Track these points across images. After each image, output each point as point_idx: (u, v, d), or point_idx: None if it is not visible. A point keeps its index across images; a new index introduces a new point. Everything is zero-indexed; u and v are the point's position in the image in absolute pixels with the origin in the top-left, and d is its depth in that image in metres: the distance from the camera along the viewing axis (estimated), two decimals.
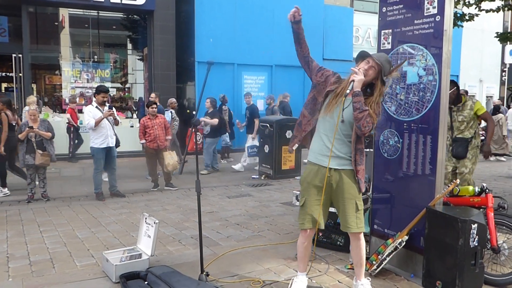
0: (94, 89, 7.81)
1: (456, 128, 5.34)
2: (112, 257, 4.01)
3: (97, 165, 7.21)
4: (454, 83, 5.25)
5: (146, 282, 3.72)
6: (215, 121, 9.63)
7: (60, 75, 12.72)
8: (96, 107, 7.11)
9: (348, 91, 3.13)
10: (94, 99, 7.35)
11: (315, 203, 3.34)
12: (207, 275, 3.74)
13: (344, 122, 3.20)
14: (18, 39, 11.26)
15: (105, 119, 7.03)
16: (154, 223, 4.11)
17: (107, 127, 7.12)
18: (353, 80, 3.13)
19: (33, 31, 12.05)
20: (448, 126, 5.30)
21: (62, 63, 12.66)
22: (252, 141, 10.22)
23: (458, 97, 5.32)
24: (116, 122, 7.36)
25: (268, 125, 9.34)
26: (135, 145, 11.48)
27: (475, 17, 7.67)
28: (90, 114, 7.01)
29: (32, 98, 9.52)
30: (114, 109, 7.50)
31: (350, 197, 3.31)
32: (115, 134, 7.37)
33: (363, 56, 3.33)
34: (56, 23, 12.80)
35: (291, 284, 3.57)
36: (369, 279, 3.54)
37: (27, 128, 6.93)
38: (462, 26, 8.04)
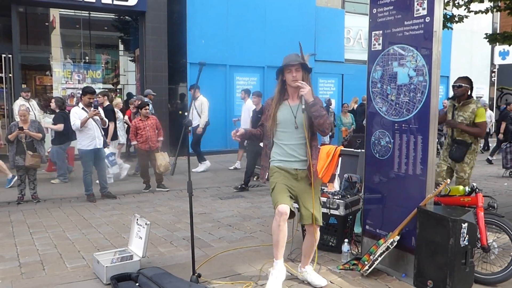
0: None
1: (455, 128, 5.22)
2: (103, 258, 3.99)
3: (86, 167, 7.15)
4: (468, 81, 5.18)
5: (137, 284, 3.71)
6: (60, 126, 8.44)
7: (51, 76, 12.60)
8: (82, 108, 7.05)
9: (303, 107, 3.41)
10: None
11: (284, 186, 3.52)
12: (199, 276, 3.73)
13: (298, 128, 3.49)
14: (8, 39, 11.15)
15: (91, 120, 6.98)
16: (146, 224, 4.10)
17: (94, 128, 7.06)
18: (302, 95, 3.40)
19: (23, 31, 11.93)
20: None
21: (53, 64, 12.55)
22: (108, 148, 8.46)
23: (467, 96, 5.17)
24: (103, 123, 7.29)
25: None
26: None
27: (464, 18, 7.72)
28: (76, 115, 6.94)
29: (117, 100, 10.51)
30: (100, 108, 7.44)
31: (316, 193, 3.60)
32: (103, 136, 7.33)
33: (282, 70, 3.55)
34: (47, 24, 12.69)
35: (270, 276, 3.54)
36: (311, 264, 3.82)
37: (17, 129, 6.86)
38: (451, 28, 8.10)
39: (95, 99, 8.37)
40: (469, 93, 5.18)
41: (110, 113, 8.41)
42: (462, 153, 5.14)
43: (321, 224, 3.67)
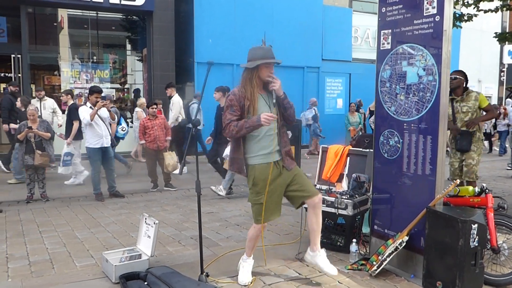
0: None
1: (460, 119, 5.34)
2: (111, 257, 4.00)
3: (94, 166, 7.18)
4: (463, 73, 5.37)
5: (146, 283, 3.72)
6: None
7: (59, 75, 12.70)
8: (90, 107, 7.07)
9: (274, 101, 3.53)
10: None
11: (273, 198, 3.62)
12: (207, 275, 3.74)
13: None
14: (17, 39, 11.25)
15: (99, 118, 7.02)
16: (154, 223, 4.11)
17: (102, 127, 7.09)
18: (273, 89, 3.50)
19: (32, 31, 12.03)
20: (450, 118, 5.31)
21: (61, 64, 12.65)
22: (67, 147, 8.29)
23: (463, 89, 5.36)
24: (112, 116, 7.35)
25: None
26: (135, 146, 11.48)
27: (473, 17, 7.68)
28: (85, 112, 6.97)
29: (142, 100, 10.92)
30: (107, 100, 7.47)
31: (298, 172, 3.71)
32: (110, 134, 7.36)
33: (255, 66, 3.58)
34: (55, 24, 12.78)
35: (239, 268, 3.83)
36: (325, 250, 3.86)
37: (26, 129, 6.91)
38: (461, 27, 8.05)
39: (61, 98, 8.46)
40: (464, 85, 5.38)
41: (74, 112, 8.10)
42: (468, 142, 5.32)
43: (318, 194, 3.71)
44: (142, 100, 11.56)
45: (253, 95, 3.54)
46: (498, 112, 12.63)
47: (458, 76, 5.30)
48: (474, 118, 5.33)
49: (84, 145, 7.28)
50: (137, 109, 11.29)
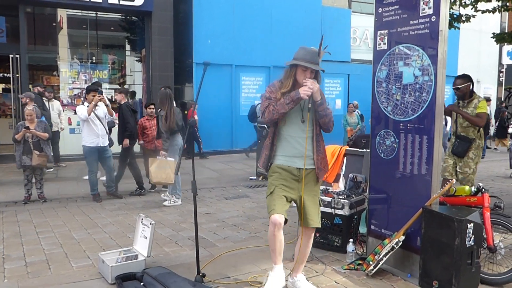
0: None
1: (459, 124, 5.27)
2: (108, 258, 4.00)
3: (91, 166, 7.15)
4: (468, 78, 5.22)
5: (142, 283, 3.71)
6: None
7: (58, 76, 12.67)
8: (88, 106, 6.99)
9: (310, 106, 3.33)
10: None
11: (284, 191, 3.42)
12: (204, 276, 3.74)
13: (305, 122, 3.41)
14: (16, 39, 11.22)
15: (96, 118, 6.99)
16: (151, 224, 4.11)
17: (99, 126, 7.05)
18: (310, 93, 3.28)
19: (30, 31, 12.01)
20: (453, 120, 5.31)
21: (60, 64, 12.62)
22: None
23: (470, 93, 5.22)
24: (109, 112, 7.30)
25: (266, 126, 9.32)
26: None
27: (471, 18, 7.67)
28: (83, 109, 6.94)
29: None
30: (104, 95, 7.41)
31: (316, 194, 3.53)
32: (107, 133, 7.30)
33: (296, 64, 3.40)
34: (54, 24, 12.77)
35: (267, 279, 3.53)
36: (303, 273, 3.67)
37: (24, 129, 6.90)
38: (458, 28, 8.05)
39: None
40: (471, 88, 5.22)
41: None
42: (464, 149, 5.19)
43: (319, 227, 3.57)
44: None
45: (284, 91, 3.39)
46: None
47: (460, 86, 5.13)
48: (455, 106, 5.23)
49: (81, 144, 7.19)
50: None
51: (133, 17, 13.38)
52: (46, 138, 7.12)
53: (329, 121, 3.40)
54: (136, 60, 14.13)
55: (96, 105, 6.95)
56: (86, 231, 5.55)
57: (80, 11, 12.43)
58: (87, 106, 7.01)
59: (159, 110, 7.27)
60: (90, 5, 11.46)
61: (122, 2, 11.55)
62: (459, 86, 5.14)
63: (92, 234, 5.39)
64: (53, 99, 10.23)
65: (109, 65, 13.49)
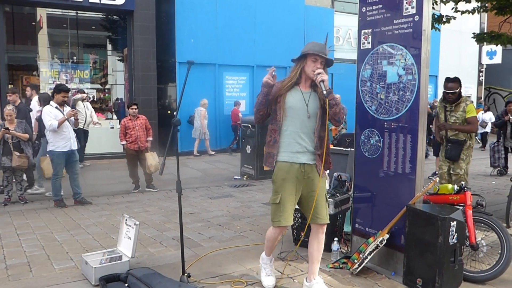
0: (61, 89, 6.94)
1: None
2: (91, 259, 3.94)
3: (57, 170, 6.71)
4: (460, 81, 5.25)
5: (126, 285, 3.67)
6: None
7: (38, 76, 12.48)
8: (56, 107, 6.61)
9: (325, 92, 3.27)
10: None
11: (290, 199, 3.40)
12: (189, 276, 3.70)
13: (310, 118, 3.37)
14: None
15: (67, 121, 6.63)
16: (135, 224, 4.06)
17: (69, 129, 6.70)
18: (322, 81, 3.28)
19: (9, 30, 11.81)
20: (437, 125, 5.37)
21: (40, 64, 12.43)
22: None
23: (458, 97, 5.28)
24: (76, 124, 6.90)
25: (250, 125, 9.33)
26: (115, 147, 11.36)
27: (452, 19, 7.79)
28: (51, 114, 6.50)
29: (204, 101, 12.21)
30: (77, 108, 7.24)
31: (322, 190, 3.47)
32: (76, 136, 6.96)
33: (305, 56, 3.39)
34: (34, 23, 12.57)
35: (260, 271, 3.65)
36: (321, 277, 3.63)
37: (3, 129, 6.76)
38: (439, 30, 8.15)
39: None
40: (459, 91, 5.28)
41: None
42: (457, 152, 5.26)
43: (328, 222, 3.50)
44: (205, 101, 12.47)
45: (286, 84, 3.38)
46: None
47: (456, 91, 5.17)
48: (446, 123, 5.28)
49: (48, 149, 6.75)
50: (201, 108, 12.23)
51: (115, 16, 13.25)
52: (27, 138, 6.99)
53: (340, 110, 3.34)
54: (118, 60, 14.00)
55: (67, 119, 6.58)
56: (68, 232, 5.46)
57: (60, 10, 12.27)
58: (55, 107, 6.61)
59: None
60: (71, 4, 11.31)
61: (103, 1, 11.42)
62: (456, 91, 5.19)
63: (75, 236, 5.31)
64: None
65: (91, 65, 13.35)
